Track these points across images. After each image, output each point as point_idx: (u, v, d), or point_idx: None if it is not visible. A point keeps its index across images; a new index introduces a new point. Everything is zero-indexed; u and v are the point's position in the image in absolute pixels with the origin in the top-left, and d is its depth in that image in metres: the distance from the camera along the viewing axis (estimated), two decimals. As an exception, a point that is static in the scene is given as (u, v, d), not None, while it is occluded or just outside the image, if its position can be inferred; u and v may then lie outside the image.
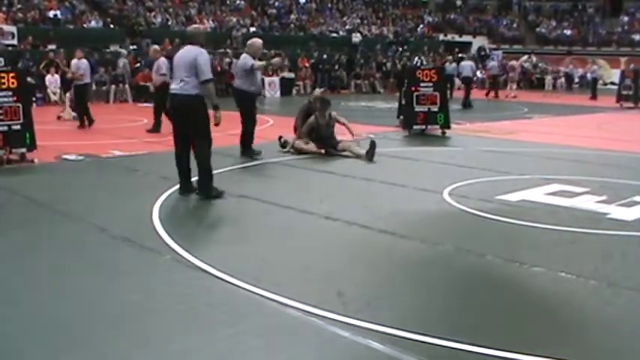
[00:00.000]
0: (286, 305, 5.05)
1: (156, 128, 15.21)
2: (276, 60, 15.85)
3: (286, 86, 29.97)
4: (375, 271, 6.06)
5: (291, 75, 30.66)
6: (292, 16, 39.25)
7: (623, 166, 11.92)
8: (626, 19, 51.90)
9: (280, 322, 4.84)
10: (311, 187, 9.86)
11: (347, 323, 4.70)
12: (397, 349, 4.34)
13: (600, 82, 42.53)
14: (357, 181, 10.27)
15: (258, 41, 12.33)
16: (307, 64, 31.94)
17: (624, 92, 28.65)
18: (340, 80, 32.70)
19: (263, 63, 12.82)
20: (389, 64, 35.34)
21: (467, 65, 27.48)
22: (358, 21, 43.18)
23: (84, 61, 16.34)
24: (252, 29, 34.25)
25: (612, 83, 38.27)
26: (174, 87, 8.69)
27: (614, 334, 4.79)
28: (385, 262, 6.33)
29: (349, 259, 6.37)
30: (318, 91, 14.37)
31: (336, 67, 33.06)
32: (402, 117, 16.95)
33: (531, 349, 4.35)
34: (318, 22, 40.23)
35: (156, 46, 18.18)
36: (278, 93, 29.50)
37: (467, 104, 25.24)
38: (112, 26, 30.59)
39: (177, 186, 8.88)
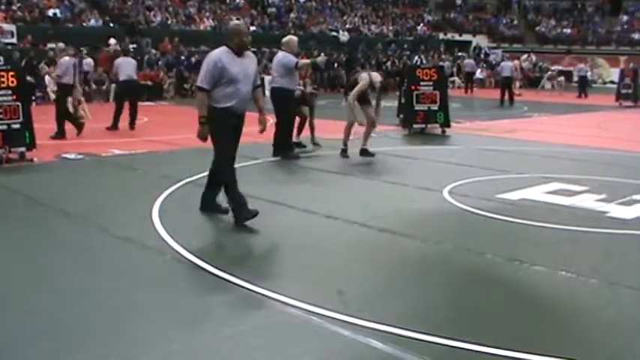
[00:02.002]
0: (287, 304, 5.05)
1: (60, 134, 14.04)
2: (321, 59, 15.76)
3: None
4: (375, 270, 6.07)
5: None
6: (292, 15, 39.27)
7: (623, 165, 11.92)
8: (625, 18, 51.89)
9: (281, 321, 4.84)
10: (313, 186, 9.85)
11: (348, 322, 4.70)
12: (398, 347, 4.34)
13: (600, 80, 42.60)
14: (358, 179, 10.28)
15: (294, 38, 12.31)
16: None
17: (623, 91, 28.68)
18: (340, 79, 32.67)
19: (308, 61, 12.74)
20: (389, 63, 35.35)
21: (507, 66, 28.02)
22: (358, 20, 43.18)
23: (65, 59, 14.94)
24: (252, 28, 34.20)
25: (612, 82, 38.30)
26: None
27: (615, 333, 4.79)
28: (385, 261, 6.33)
29: (350, 258, 6.38)
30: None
31: (336, 65, 33.04)
32: (401, 116, 16.96)
33: (532, 348, 4.35)
34: (318, 20, 40.23)
35: (61, 45, 16.15)
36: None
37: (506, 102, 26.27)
38: (111, 25, 30.57)
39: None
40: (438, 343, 4.41)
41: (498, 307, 5.21)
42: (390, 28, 44.40)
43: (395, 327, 4.62)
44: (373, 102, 12.25)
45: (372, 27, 42.98)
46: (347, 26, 40.76)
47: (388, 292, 5.53)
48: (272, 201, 8.38)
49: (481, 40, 48.91)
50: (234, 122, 7.34)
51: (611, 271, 6.08)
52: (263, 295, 5.23)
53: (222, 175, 7.48)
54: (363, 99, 11.96)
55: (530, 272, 6.02)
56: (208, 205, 7.80)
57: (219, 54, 7.20)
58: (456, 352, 4.33)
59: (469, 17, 52.20)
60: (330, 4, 43.97)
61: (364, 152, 11.97)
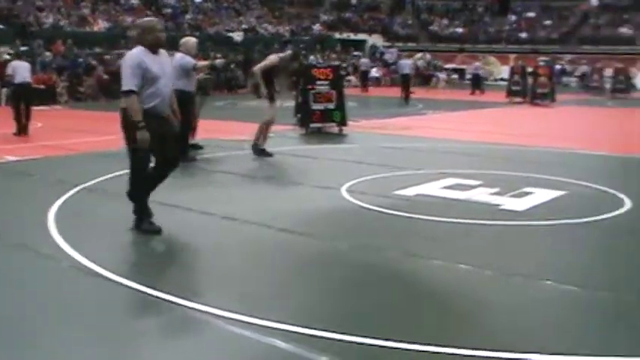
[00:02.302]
0: (187, 307, 4.99)
1: None
2: (219, 61, 15.59)
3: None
4: (275, 270, 6.08)
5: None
6: (188, 16, 38.87)
7: (514, 159, 12.33)
8: (513, 18, 53.57)
9: (182, 324, 4.80)
10: (210, 187, 9.79)
11: (249, 323, 4.68)
12: (301, 346, 4.36)
13: (491, 78, 43.80)
14: (257, 180, 10.28)
15: (192, 39, 12.12)
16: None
17: (513, 88, 29.63)
18: (237, 80, 32.55)
19: (207, 63, 12.62)
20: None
21: (405, 64, 29.30)
22: (254, 20, 43.11)
23: None
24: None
25: (502, 79, 39.45)
26: None
27: (508, 320, 4.95)
28: (285, 261, 6.35)
29: (249, 259, 6.36)
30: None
31: (233, 66, 32.88)
32: (299, 115, 17.04)
33: (432, 340, 4.44)
34: (214, 21, 39.96)
35: None
36: (174, 93, 29.09)
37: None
38: (0, 26, 29.56)
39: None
40: (340, 340, 4.43)
41: (398, 301, 5.28)
42: (286, 28, 44.50)
43: (297, 325, 4.62)
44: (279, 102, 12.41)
45: (269, 27, 42.98)
46: (243, 26, 40.63)
47: (289, 291, 5.55)
48: (167, 204, 8.22)
49: (376, 40, 49.61)
50: (159, 125, 6.82)
51: (505, 261, 6.27)
52: (163, 299, 5.15)
53: (134, 188, 7.07)
54: (272, 96, 12.03)
55: (428, 266, 6.14)
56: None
57: (139, 53, 6.83)
58: (358, 347, 4.37)
59: (364, 17, 52.85)
60: (225, 4, 43.76)
61: (257, 149, 12.04)
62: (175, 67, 11.60)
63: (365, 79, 36.28)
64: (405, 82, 28.17)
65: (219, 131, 13.63)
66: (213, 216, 7.83)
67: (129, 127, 6.74)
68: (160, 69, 6.87)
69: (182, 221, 7.67)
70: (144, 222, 6.98)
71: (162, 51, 7.07)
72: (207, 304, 5.00)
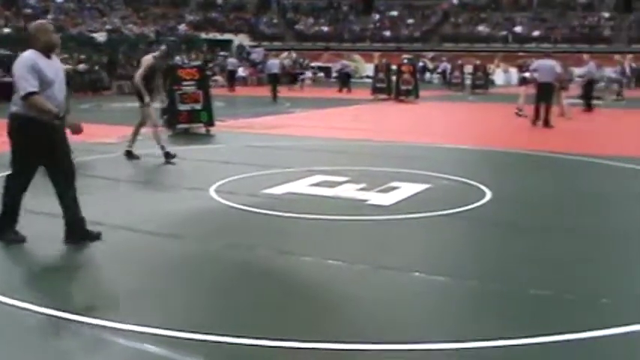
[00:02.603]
0: (54, 317, 4.82)
1: None
2: (82, 66, 15.05)
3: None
4: (145, 274, 5.96)
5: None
6: (49, 16, 37.56)
7: (380, 155, 12.58)
8: (377, 17, 54.71)
9: (48, 334, 4.63)
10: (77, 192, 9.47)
11: (119, 329, 4.57)
12: (171, 349, 4.29)
13: (356, 75, 44.55)
14: (124, 183, 10.06)
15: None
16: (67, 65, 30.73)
17: (378, 85, 30.26)
18: (101, 82, 31.78)
19: (69, 67, 12.17)
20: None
21: (274, 63, 30.75)
22: (118, 20, 42.20)
23: None
24: (7, 30, 32.48)
25: (367, 77, 40.22)
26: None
27: (380, 313, 5.03)
28: (156, 264, 6.23)
29: (118, 264, 6.20)
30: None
31: (96, 67, 32.09)
32: (165, 116, 16.77)
33: (305, 336, 4.47)
34: (77, 22, 38.85)
35: None
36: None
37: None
38: None
39: None
40: (211, 341, 4.40)
41: (270, 299, 5.28)
42: (152, 28, 43.79)
43: (169, 329, 4.55)
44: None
45: (133, 28, 42.17)
46: (107, 27, 39.70)
47: (160, 294, 5.45)
48: (31, 211, 7.94)
49: (242, 39, 49.56)
50: (48, 134, 6.38)
51: (375, 255, 6.38)
52: (24, 308, 4.94)
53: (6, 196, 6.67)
54: (153, 98, 11.98)
55: (300, 263, 6.18)
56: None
57: (32, 55, 6.32)
58: (230, 347, 4.35)
59: (230, 17, 52.71)
60: (88, 5, 42.63)
61: (130, 154, 11.83)
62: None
63: (232, 79, 36.17)
64: (273, 82, 28.45)
65: (85, 134, 13.18)
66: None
67: (14, 134, 6.44)
68: (54, 73, 6.40)
69: (48, 229, 7.38)
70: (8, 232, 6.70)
71: (53, 56, 6.60)
72: (74, 312, 4.85)
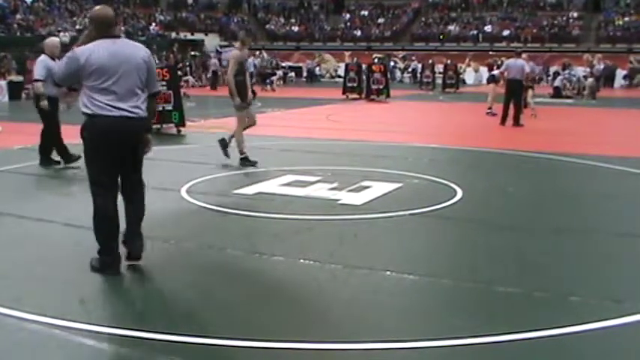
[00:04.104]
0: (27, 320, 4.77)
1: None
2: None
3: (15, 90, 28.24)
4: (118, 275, 5.89)
5: (20, 78, 28.96)
6: (18, 16, 37.16)
7: (351, 154, 12.60)
8: (348, 16, 54.81)
9: (21, 338, 4.57)
10: (44, 193, 9.43)
11: (92, 331, 4.55)
12: (144, 350, 4.30)
13: (327, 75, 44.60)
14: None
15: (53, 39, 11.50)
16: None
17: (349, 85, 30.27)
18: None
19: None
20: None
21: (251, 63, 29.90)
22: (88, 20, 41.83)
23: None
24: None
25: (339, 76, 40.26)
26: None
27: (351, 311, 5.06)
28: (126, 265, 6.20)
29: (88, 266, 6.16)
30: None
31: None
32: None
33: (277, 336, 4.49)
34: (47, 22, 38.44)
35: None
36: (6, 97, 27.78)
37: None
38: None
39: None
40: (182, 342, 4.40)
41: (244, 300, 5.27)
42: (122, 28, 43.45)
43: (140, 330, 4.55)
44: None
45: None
46: (77, 27, 39.33)
47: (131, 295, 5.44)
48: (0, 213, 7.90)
49: (213, 39, 49.41)
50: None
51: (347, 254, 6.40)
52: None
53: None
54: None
55: (271, 263, 6.18)
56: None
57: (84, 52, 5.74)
58: (200, 348, 4.36)
59: (201, 16, 52.51)
60: (58, 4, 42.23)
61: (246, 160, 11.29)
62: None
63: (215, 80, 36.14)
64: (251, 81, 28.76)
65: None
66: (52, 223, 7.53)
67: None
68: None
69: (18, 231, 7.33)
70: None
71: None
72: (47, 315, 4.81)
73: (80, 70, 5.60)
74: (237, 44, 11.40)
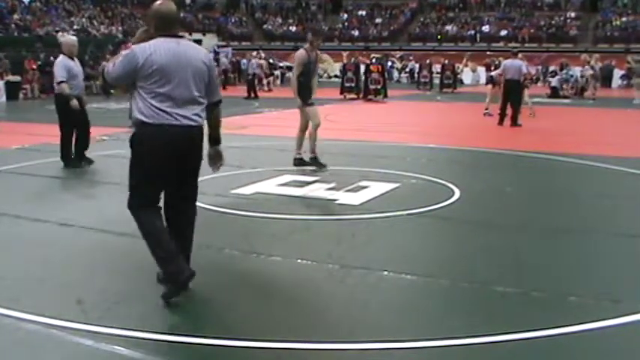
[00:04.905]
0: (24, 320, 4.78)
1: None
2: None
3: (12, 90, 28.23)
4: (115, 275, 5.91)
5: (17, 78, 28.95)
6: (15, 16, 37.13)
7: (349, 154, 12.61)
8: (345, 16, 54.81)
9: (18, 338, 4.57)
10: (40, 193, 9.40)
11: (89, 331, 4.55)
12: (142, 350, 4.29)
13: (325, 75, 44.59)
14: (91, 184, 9.99)
15: (70, 38, 11.46)
16: (34, 67, 30.35)
17: (347, 85, 30.25)
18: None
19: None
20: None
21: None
22: (86, 20, 41.84)
23: None
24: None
25: (336, 76, 40.26)
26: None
27: (348, 311, 5.06)
28: (125, 265, 6.19)
29: (88, 266, 6.15)
30: None
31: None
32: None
33: (276, 336, 4.49)
34: (45, 22, 38.43)
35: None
36: (3, 98, 27.76)
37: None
38: None
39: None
40: (183, 342, 4.41)
41: (242, 300, 5.27)
42: (120, 28, 43.48)
43: (137, 330, 4.55)
44: None
45: (101, 27, 41.84)
46: (75, 27, 39.33)
47: (129, 295, 5.42)
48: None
49: (211, 39, 49.38)
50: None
51: (343, 254, 6.39)
52: (-5, 313, 4.90)
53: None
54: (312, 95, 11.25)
55: (269, 263, 6.18)
56: None
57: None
58: (201, 348, 4.36)
59: (198, 16, 52.52)
60: (56, 4, 42.21)
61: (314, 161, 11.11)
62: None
63: (226, 79, 36.16)
64: (252, 82, 29.22)
65: (53, 136, 13.06)
66: (47, 223, 7.52)
67: None
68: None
69: (15, 231, 7.33)
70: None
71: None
72: (44, 315, 4.81)
73: (137, 70, 5.02)
74: (306, 45, 11.04)
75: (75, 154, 11.18)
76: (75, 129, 11.11)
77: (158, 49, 5.05)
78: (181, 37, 5.34)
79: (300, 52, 10.94)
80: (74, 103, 10.76)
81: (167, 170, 5.20)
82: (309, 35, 11.42)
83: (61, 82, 10.78)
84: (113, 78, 5.27)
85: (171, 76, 5.04)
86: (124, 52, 5.24)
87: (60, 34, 35.32)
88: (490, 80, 21.96)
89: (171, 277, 5.18)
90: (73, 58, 10.95)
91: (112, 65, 5.19)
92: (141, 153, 5.21)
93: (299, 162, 10.98)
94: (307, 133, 11.10)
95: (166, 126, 5.05)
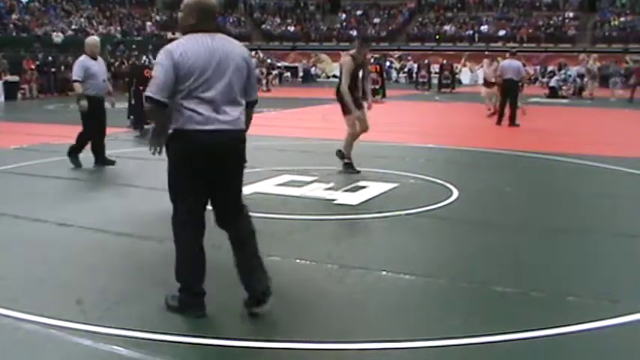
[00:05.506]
0: (23, 320, 4.77)
1: None
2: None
3: (11, 90, 28.21)
4: (114, 275, 5.91)
5: (16, 78, 28.94)
6: (14, 16, 37.12)
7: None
8: (344, 16, 54.81)
9: (17, 338, 4.57)
10: (39, 193, 9.39)
11: (88, 331, 4.55)
12: (141, 351, 4.28)
13: (323, 75, 44.60)
14: (91, 184, 9.99)
15: (93, 39, 11.48)
16: (33, 66, 30.35)
17: (345, 84, 30.20)
18: (68, 81, 31.36)
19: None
20: (117, 64, 34.58)
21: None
22: (84, 20, 41.82)
23: None
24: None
25: (334, 76, 40.24)
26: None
27: (347, 310, 5.06)
28: (124, 265, 6.19)
29: (87, 266, 6.15)
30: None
31: (63, 68, 31.71)
32: (132, 117, 16.69)
33: (275, 336, 4.52)
34: (43, 22, 38.42)
35: None
36: (2, 97, 27.75)
37: None
38: None
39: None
40: (184, 342, 4.42)
41: (238, 300, 5.24)
42: (118, 28, 43.48)
43: (137, 330, 4.55)
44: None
45: (100, 27, 41.83)
46: (73, 27, 39.33)
47: (128, 295, 5.42)
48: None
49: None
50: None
51: (342, 254, 6.39)
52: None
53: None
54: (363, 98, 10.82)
55: (267, 263, 6.10)
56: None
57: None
58: (202, 348, 4.37)
59: (196, 16, 52.45)
60: (54, 4, 42.20)
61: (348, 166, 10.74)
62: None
63: None
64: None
65: (51, 135, 13.13)
66: (46, 223, 7.52)
67: None
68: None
69: (14, 231, 7.32)
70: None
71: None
72: (43, 315, 4.80)
73: (175, 68, 4.55)
74: (352, 51, 10.61)
75: (95, 159, 11.22)
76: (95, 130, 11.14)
77: (191, 45, 4.61)
78: (218, 31, 4.81)
79: (347, 60, 10.51)
80: (83, 103, 10.77)
81: (209, 179, 4.81)
82: (356, 42, 11.09)
83: (75, 81, 10.83)
84: (160, 88, 4.58)
85: (208, 75, 4.58)
86: (159, 56, 4.69)
87: (55, 34, 35.38)
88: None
89: (186, 308, 4.91)
90: (96, 58, 10.96)
91: (151, 85, 4.63)
92: (179, 163, 4.87)
93: (347, 166, 10.66)
94: (349, 135, 10.81)
95: (200, 132, 4.61)
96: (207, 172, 4.75)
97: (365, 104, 10.81)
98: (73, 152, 11.11)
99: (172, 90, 4.56)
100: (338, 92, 10.59)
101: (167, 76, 4.54)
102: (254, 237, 5.11)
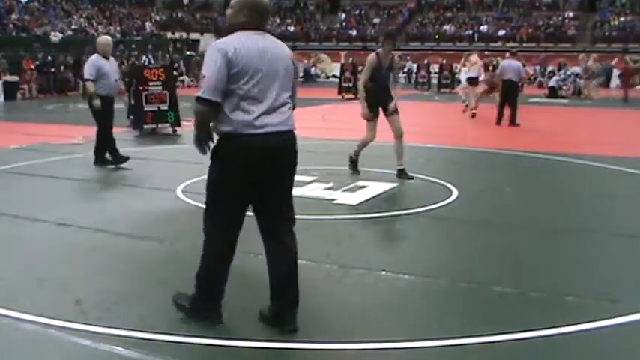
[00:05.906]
0: (22, 320, 4.78)
1: None
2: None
3: (10, 90, 28.20)
4: (113, 275, 5.91)
5: (15, 78, 28.92)
6: (14, 16, 37.10)
7: (347, 154, 12.53)
8: (343, 16, 54.81)
9: (16, 338, 4.58)
10: (39, 193, 9.39)
11: (88, 331, 4.56)
12: (141, 351, 4.29)
13: (323, 75, 44.57)
14: (90, 184, 9.98)
15: (105, 38, 11.48)
16: (32, 66, 30.34)
17: (345, 84, 30.26)
18: (67, 82, 31.42)
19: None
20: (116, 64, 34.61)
21: None
22: (84, 20, 41.82)
23: None
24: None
25: (334, 76, 40.27)
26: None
27: (346, 310, 5.07)
28: (124, 265, 6.19)
29: (86, 266, 6.16)
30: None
31: (63, 68, 31.72)
32: (131, 117, 16.67)
33: (275, 336, 4.51)
34: (43, 22, 38.41)
35: None
36: (1, 97, 27.73)
37: None
38: None
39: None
40: (183, 342, 4.42)
41: (241, 300, 5.26)
42: (118, 28, 43.47)
43: (137, 330, 4.56)
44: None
45: (99, 28, 41.82)
46: (73, 27, 39.32)
47: (128, 295, 5.42)
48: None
49: (209, 39, 49.33)
50: None
51: (341, 254, 6.40)
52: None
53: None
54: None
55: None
56: None
57: None
58: (202, 348, 4.37)
59: (196, 16, 52.49)
60: (54, 4, 42.19)
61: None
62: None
63: None
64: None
65: (51, 135, 13.14)
66: (46, 223, 7.52)
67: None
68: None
69: (14, 231, 7.33)
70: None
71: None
72: (43, 315, 4.81)
73: (228, 66, 4.30)
74: (379, 49, 10.27)
75: (95, 159, 11.22)
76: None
77: (243, 44, 4.37)
78: (267, 31, 4.67)
79: (371, 56, 10.19)
80: (96, 102, 10.77)
81: (259, 182, 4.53)
82: (381, 38, 10.83)
83: (88, 79, 10.87)
84: (211, 89, 4.31)
85: (259, 75, 4.37)
86: (209, 54, 4.41)
87: (53, 34, 35.36)
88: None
89: (195, 310, 4.78)
90: (107, 58, 10.98)
91: (202, 84, 4.37)
92: (225, 168, 4.50)
93: (400, 173, 10.33)
94: (363, 139, 10.69)
95: (260, 135, 4.35)
96: (258, 175, 4.48)
97: (391, 105, 10.40)
98: (98, 152, 11.13)
99: (225, 90, 4.33)
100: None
101: (220, 73, 4.28)
102: (296, 254, 4.84)
